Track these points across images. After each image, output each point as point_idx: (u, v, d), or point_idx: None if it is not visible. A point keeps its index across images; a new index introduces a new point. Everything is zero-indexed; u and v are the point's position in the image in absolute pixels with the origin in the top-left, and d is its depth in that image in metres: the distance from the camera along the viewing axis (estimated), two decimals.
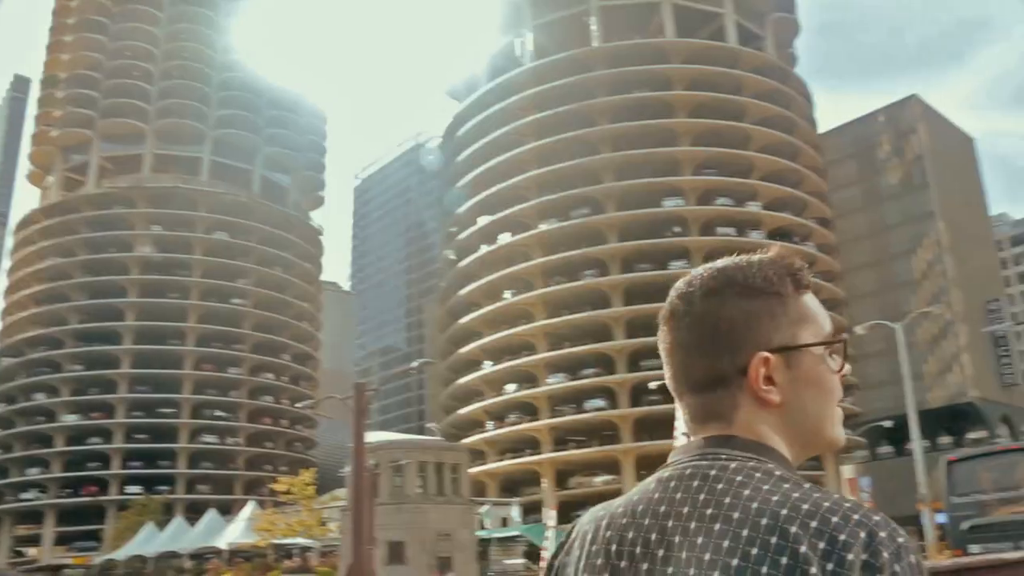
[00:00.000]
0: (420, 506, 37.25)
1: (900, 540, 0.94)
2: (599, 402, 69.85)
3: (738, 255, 1.16)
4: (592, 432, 70.49)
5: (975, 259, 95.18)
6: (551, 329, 72.77)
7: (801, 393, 1.13)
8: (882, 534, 0.93)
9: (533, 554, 38.39)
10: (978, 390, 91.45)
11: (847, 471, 75.36)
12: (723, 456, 1.07)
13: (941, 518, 20.12)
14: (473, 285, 78.64)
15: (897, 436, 64.34)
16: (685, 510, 1.03)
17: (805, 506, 0.96)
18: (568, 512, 43.73)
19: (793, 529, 0.93)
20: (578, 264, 72.94)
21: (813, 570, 0.90)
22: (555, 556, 1.18)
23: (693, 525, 1.01)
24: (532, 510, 59.63)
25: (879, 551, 0.91)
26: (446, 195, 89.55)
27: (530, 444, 72.10)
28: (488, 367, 76.84)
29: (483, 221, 79.90)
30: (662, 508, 1.05)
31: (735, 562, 0.94)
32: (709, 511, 1.00)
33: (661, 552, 1.01)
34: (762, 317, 1.12)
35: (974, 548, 18.75)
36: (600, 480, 67.78)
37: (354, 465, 24.98)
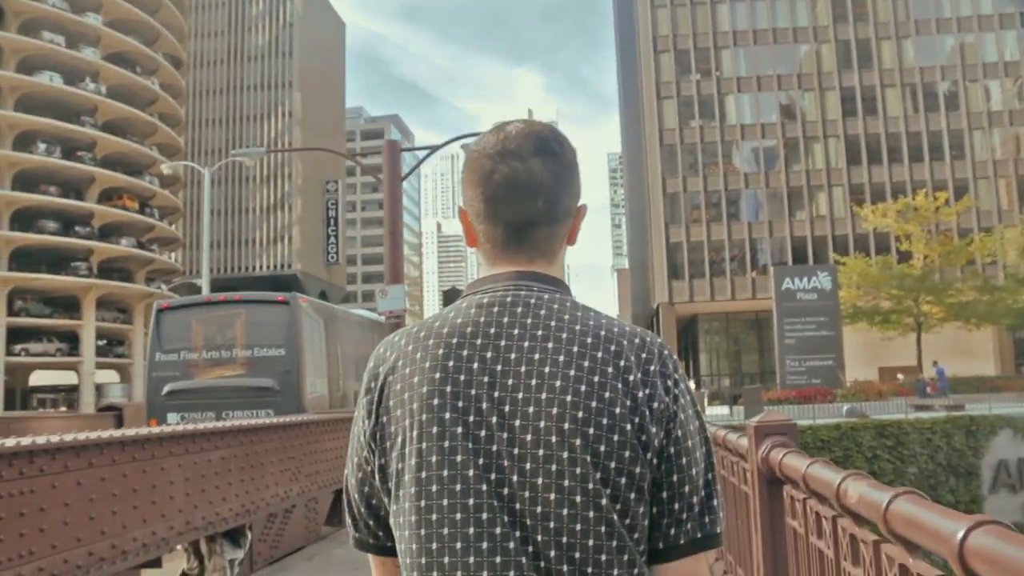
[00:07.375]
0: None
1: (675, 356, 1.22)
2: None
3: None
4: None
5: (324, 140, 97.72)
6: None
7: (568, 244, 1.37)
8: (666, 351, 1.22)
9: None
10: (302, 263, 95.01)
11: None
12: (535, 288, 1.25)
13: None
14: None
15: None
16: (516, 331, 1.19)
17: (615, 328, 1.20)
18: None
19: (612, 347, 1.17)
20: None
21: (631, 376, 1.15)
22: (374, 376, 1.25)
23: (527, 344, 1.17)
24: None
25: (667, 363, 1.20)
26: None
27: None
28: None
29: None
30: (492, 330, 1.20)
31: (572, 372, 1.14)
32: (540, 332, 1.18)
33: (499, 367, 1.16)
34: (579, 178, 1.34)
35: (172, 417, 15.22)
36: None
37: None
